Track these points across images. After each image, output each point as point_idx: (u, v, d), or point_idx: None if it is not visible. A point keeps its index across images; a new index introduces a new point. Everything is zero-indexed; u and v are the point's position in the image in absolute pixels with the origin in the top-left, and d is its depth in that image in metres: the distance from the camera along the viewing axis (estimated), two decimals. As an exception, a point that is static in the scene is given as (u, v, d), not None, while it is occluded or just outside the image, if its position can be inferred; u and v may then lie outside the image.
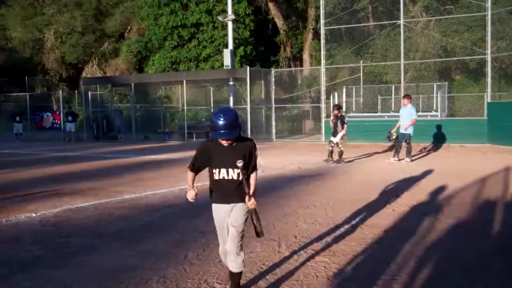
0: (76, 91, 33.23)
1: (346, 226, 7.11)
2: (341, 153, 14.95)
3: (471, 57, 22.25)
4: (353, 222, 7.36)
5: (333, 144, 14.97)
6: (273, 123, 24.72)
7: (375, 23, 25.21)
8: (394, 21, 21.97)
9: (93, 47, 45.12)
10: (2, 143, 26.54)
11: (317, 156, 17.09)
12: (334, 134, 15.05)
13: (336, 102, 24.40)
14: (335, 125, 15.07)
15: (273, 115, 24.67)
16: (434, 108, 24.26)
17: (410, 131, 15.18)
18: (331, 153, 14.97)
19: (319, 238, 6.53)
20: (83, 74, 42.98)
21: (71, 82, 45.77)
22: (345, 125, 15.03)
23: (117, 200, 9.37)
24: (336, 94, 24.82)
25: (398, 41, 21.97)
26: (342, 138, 15.13)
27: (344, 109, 25.22)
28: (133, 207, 8.76)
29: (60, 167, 15.26)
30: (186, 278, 5.18)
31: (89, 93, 29.01)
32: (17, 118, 29.37)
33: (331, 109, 16.26)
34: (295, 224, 7.32)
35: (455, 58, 23.35)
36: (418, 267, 5.35)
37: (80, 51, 44.68)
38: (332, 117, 15.39)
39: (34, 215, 8.22)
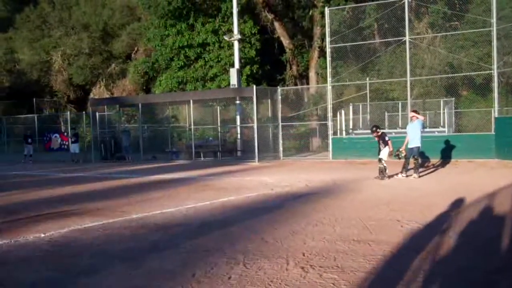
0: (84, 112, 33.42)
1: (354, 243, 7.08)
2: (384, 169, 14.83)
3: (477, 73, 22.25)
4: (361, 238, 7.32)
5: (382, 161, 14.92)
6: (280, 141, 24.72)
7: (381, 40, 25.29)
8: (400, 38, 22.01)
9: (100, 69, 45.48)
10: (14, 165, 26.67)
11: (324, 173, 17.07)
12: (379, 152, 15.08)
13: (343, 119, 24.45)
14: (379, 144, 15.17)
15: (280, 133, 24.69)
16: (442, 124, 24.23)
17: (418, 145, 15.19)
18: (384, 169, 14.89)
19: (327, 255, 6.51)
20: (91, 95, 43.27)
21: (79, 103, 46.12)
22: (389, 142, 15.01)
23: (125, 220, 9.37)
24: (343, 111, 24.84)
25: (404, 58, 22.00)
26: (389, 155, 15.05)
27: (350, 126, 25.25)
28: (141, 227, 8.76)
29: (68, 188, 15.30)
30: (194, 296, 5.17)
31: (97, 114, 29.14)
32: (29, 140, 29.59)
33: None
34: (303, 241, 7.30)
35: (462, 74, 23.38)
36: (426, 284, 5.32)
37: (88, 72, 45.05)
38: (376, 138, 15.44)
39: (42, 235, 8.23)
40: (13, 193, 14.42)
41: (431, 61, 25.82)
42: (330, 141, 23.13)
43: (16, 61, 48.03)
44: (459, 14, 23.85)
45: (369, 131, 20.34)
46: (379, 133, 15.21)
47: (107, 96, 42.21)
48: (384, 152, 14.97)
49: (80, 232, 8.49)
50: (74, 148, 28.16)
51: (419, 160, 15.59)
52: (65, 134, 31.11)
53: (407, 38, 21.19)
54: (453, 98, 25.52)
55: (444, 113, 24.65)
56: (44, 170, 22.58)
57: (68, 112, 34.94)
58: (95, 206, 11.16)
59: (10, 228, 8.91)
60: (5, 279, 6.02)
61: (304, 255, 6.51)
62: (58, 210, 10.73)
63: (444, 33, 24.56)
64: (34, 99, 42.35)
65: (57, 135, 31.71)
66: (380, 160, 14.98)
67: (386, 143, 15.02)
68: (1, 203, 12.36)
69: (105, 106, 30.74)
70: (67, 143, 30.25)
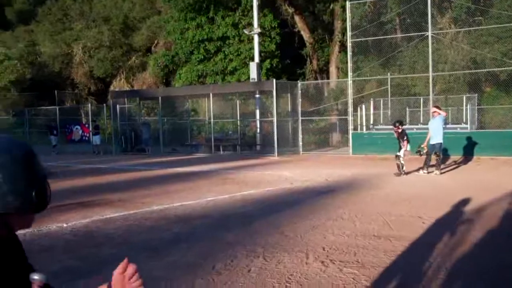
0: (104, 105, 33.69)
1: (375, 238, 7.04)
2: (401, 166, 14.71)
3: (501, 69, 21.94)
4: (382, 234, 7.28)
5: (400, 158, 14.77)
6: (300, 135, 24.67)
7: (403, 35, 25.05)
8: (422, 33, 21.79)
9: (120, 61, 45.72)
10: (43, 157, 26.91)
11: (344, 168, 17.00)
12: (399, 149, 14.94)
13: (364, 114, 24.29)
14: (398, 141, 15.04)
15: (300, 127, 24.62)
16: (464, 120, 23.97)
17: (440, 141, 15.00)
18: (401, 166, 14.75)
19: (348, 249, 6.48)
20: (111, 88, 43.51)
21: (99, 95, 46.41)
22: (406, 142, 14.80)
23: (145, 211, 9.43)
24: (363, 106, 24.69)
25: (426, 53, 21.76)
26: (404, 154, 14.90)
27: (371, 122, 25.09)
28: (162, 218, 8.81)
29: (90, 179, 15.45)
30: (214, 288, 5.18)
31: (118, 106, 29.32)
32: (54, 131, 29.69)
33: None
34: (323, 235, 7.28)
35: (485, 70, 23.05)
36: (447, 280, 5.28)
37: (108, 65, 45.32)
38: (396, 134, 15.29)
39: (65, 225, 8.32)
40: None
41: (453, 57, 25.48)
42: (350, 136, 23.00)
43: (38, 53, 48.47)
44: (483, 9, 23.50)
45: (390, 126, 20.17)
46: (400, 130, 15.01)
47: (127, 88, 42.39)
48: (402, 151, 14.81)
49: (101, 222, 8.56)
50: (96, 139, 28.42)
51: (441, 156, 15.42)
52: (86, 126, 31.35)
53: (429, 33, 20.95)
54: (476, 94, 25.20)
55: (466, 109, 24.37)
56: (66, 161, 22.79)
57: (89, 104, 35.20)
58: (116, 197, 11.25)
59: (33, 218, 8.99)
60: (28, 268, 6.08)
61: (324, 250, 6.49)
62: (79, 201, 10.84)
63: (467, 28, 24.21)
64: (56, 91, 42.67)
65: (78, 127, 31.96)
66: (397, 156, 14.83)
67: (404, 141, 14.83)
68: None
69: (126, 99, 30.91)
70: (88, 134, 30.49)
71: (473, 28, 23.89)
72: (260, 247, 6.63)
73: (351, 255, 6.25)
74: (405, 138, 14.86)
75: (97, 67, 45.33)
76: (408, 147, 14.81)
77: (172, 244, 7.00)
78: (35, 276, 1.74)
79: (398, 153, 14.85)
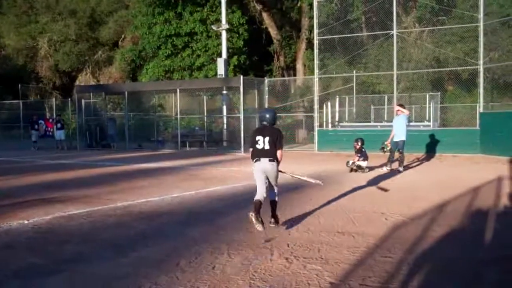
0: (69, 99, 33.19)
1: (339, 235, 7.14)
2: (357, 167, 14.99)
3: (463, 68, 22.36)
4: (346, 230, 7.39)
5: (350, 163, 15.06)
6: (267, 132, 24.68)
7: (368, 33, 25.34)
8: (387, 32, 22.08)
9: (86, 55, 45.10)
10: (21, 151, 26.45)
11: (310, 165, 17.11)
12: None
13: (330, 111, 24.53)
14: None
15: (267, 124, 24.64)
16: (427, 118, 24.37)
17: (403, 138, 15.26)
18: (356, 167, 15.01)
19: (312, 246, 6.56)
20: (77, 82, 42.93)
21: (64, 90, 45.72)
22: (356, 157, 15.11)
23: (110, 208, 9.36)
24: (329, 103, 24.90)
25: (391, 52, 22.07)
26: (349, 165, 15.15)
27: (336, 119, 25.38)
28: (126, 215, 8.76)
29: (53, 175, 15.22)
30: (178, 285, 5.20)
31: (83, 101, 28.96)
32: (36, 126, 28.94)
33: None
34: (287, 232, 7.35)
35: (448, 69, 23.50)
36: (410, 276, 5.39)
37: (74, 59, 44.64)
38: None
39: (26, 222, 8.20)
40: (-3, 179, 14.32)
41: (417, 55, 25.92)
42: (316, 133, 23.19)
43: (2, 46, 47.47)
44: (447, 9, 23.92)
45: (355, 124, 20.40)
46: (358, 147, 15.22)
47: (93, 83, 41.90)
48: (363, 163, 15.00)
49: (64, 219, 8.47)
50: (60, 134, 27.96)
51: (404, 153, 15.66)
52: (51, 120, 30.85)
53: (394, 31, 21.26)
54: (439, 93, 25.64)
55: (429, 107, 24.78)
56: (29, 157, 22.41)
57: (54, 99, 34.66)
58: (80, 194, 11.13)
59: (-6, 215, 8.86)
60: (-11, 265, 6.00)
61: (288, 246, 6.55)
62: (42, 197, 10.68)
63: (431, 28, 24.62)
64: (20, 85, 41.85)
65: (42, 121, 31.35)
66: (353, 163, 15.03)
67: (361, 157, 15.05)
68: (-16, 189, 12.28)
69: (91, 93, 30.53)
70: (52, 129, 29.99)
71: (437, 27, 24.32)
72: (225, 244, 6.66)
73: (315, 251, 6.33)
74: (360, 155, 15.09)
75: (63, 61, 44.61)
76: (363, 164, 15.01)
77: (137, 240, 6.98)
78: None
79: (359, 163, 15.03)
